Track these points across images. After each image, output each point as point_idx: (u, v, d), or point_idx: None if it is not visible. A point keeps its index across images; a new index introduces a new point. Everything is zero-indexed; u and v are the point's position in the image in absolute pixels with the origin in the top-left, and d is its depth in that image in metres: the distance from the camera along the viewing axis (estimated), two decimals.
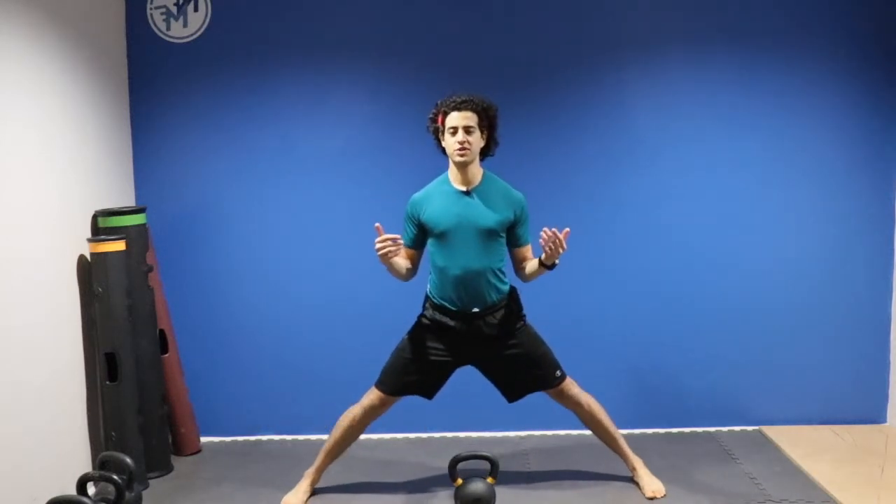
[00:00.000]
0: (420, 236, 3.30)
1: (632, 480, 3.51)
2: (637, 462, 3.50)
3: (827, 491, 3.38)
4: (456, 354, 3.30)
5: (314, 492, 3.48)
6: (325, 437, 4.09)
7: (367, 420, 3.38)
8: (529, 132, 4.01)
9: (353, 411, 3.39)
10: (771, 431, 4.04)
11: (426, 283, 3.37)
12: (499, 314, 3.26)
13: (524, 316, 3.36)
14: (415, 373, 3.31)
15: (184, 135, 4.07)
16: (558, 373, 3.36)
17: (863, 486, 3.40)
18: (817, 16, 3.98)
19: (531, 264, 3.27)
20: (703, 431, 4.12)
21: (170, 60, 4.02)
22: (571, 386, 3.39)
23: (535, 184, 3.79)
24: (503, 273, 3.29)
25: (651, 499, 3.37)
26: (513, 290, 3.33)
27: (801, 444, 3.87)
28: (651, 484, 3.42)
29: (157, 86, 4.04)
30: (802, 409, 4.13)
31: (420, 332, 3.33)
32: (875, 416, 4.14)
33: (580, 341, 4.02)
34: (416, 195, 3.30)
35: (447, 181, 3.26)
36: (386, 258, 3.09)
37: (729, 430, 4.13)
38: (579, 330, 4.06)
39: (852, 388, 4.13)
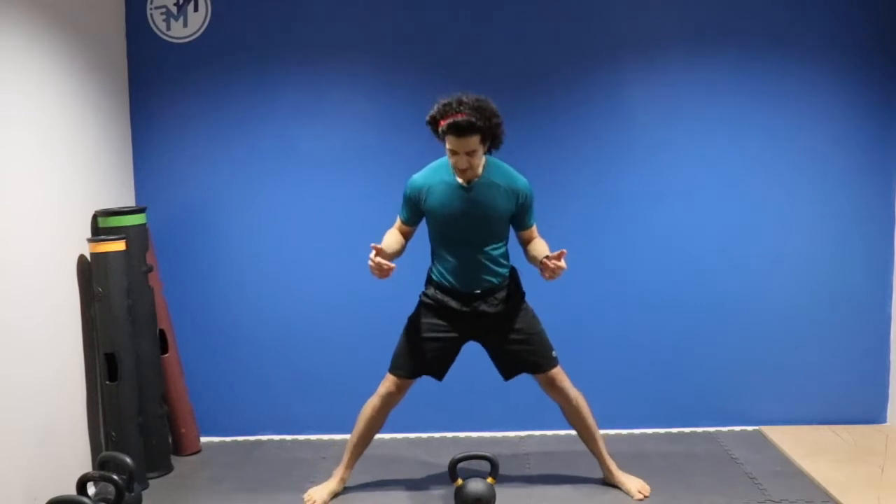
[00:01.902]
0: (417, 217, 3.31)
1: (605, 482, 3.50)
2: (612, 465, 3.49)
3: (827, 491, 3.38)
4: (460, 330, 3.31)
5: (345, 489, 3.48)
6: (324, 437, 4.12)
7: (386, 408, 3.38)
8: (528, 132, 4.00)
9: (372, 402, 3.39)
10: (771, 431, 4.04)
11: (426, 282, 3.37)
12: (500, 294, 3.28)
13: (524, 294, 3.37)
14: (425, 351, 3.32)
15: (184, 135, 4.06)
16: (554, 353, 3.37)
17: (863, 486, 3.40)
18: (817, 16, 3.98)
19: (533, 255, 3.24)
20: (703, 431, 4.12)
21: (170, 60, 4.02)
22: (563, 379, 3.38)
23: (532, 183, 3.78)
24: (505, 257, 3.30)
25: (641, 499, 3.37)
26: (513, 271, 3.35)
27: (801, 444, 3.87)
28: (634, 484, 3.43)
29: (157, 86, 4.03)
30: (802, 409, 4.13)
31: (423, 312, 3.34)
32: (875, 416, 4.14)
33: (580, 341, 4.01)
34: (417, 180, 3.27)
35: (448, 171, 3.21)
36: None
37: (729, 430, 4.12)
38: (579, 330, 4.05)
39: (852, 388, 4.13)
